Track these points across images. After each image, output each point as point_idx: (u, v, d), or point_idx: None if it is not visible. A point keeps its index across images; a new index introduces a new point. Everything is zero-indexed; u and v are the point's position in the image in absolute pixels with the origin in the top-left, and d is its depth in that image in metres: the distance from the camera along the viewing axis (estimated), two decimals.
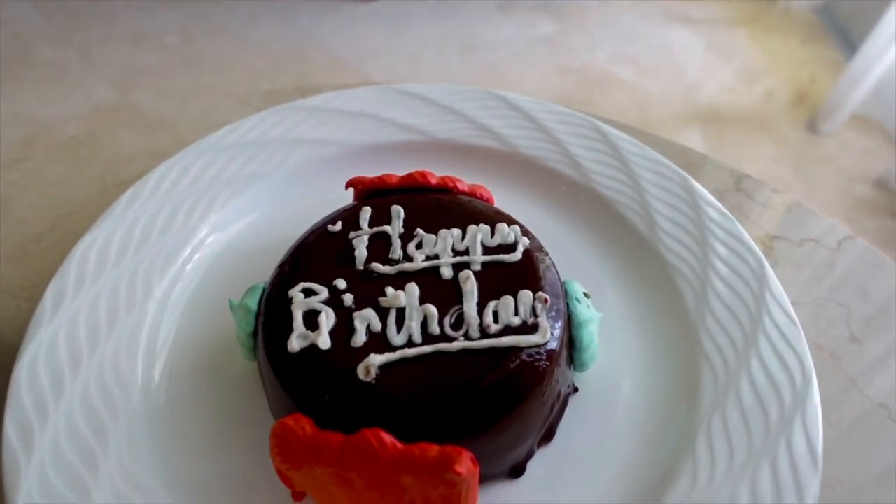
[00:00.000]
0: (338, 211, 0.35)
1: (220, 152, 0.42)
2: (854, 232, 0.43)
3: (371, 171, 0.40)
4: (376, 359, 0.27)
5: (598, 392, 0.33)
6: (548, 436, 0.31)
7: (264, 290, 0.32)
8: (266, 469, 0.29)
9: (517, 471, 0.30)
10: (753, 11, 2.00)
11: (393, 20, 1.81)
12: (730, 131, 1.63)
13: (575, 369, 0.31)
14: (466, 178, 0.39)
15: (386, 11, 1.82)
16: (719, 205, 0.38)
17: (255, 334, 0.31)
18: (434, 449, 0.25)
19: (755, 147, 1.59)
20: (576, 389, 0.33)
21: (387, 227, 0.33)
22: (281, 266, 0.32)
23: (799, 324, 0.33)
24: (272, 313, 0.30)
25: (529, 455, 0.30)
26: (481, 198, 0.36)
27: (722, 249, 0.36)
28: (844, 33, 1.85)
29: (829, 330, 0.38)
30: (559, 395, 0.30)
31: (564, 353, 0.29)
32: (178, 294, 0.36)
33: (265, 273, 0.35)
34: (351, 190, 0.37)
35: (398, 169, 0.40)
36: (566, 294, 0.31)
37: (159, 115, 0.51)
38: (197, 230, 0.38)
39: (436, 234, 0.32)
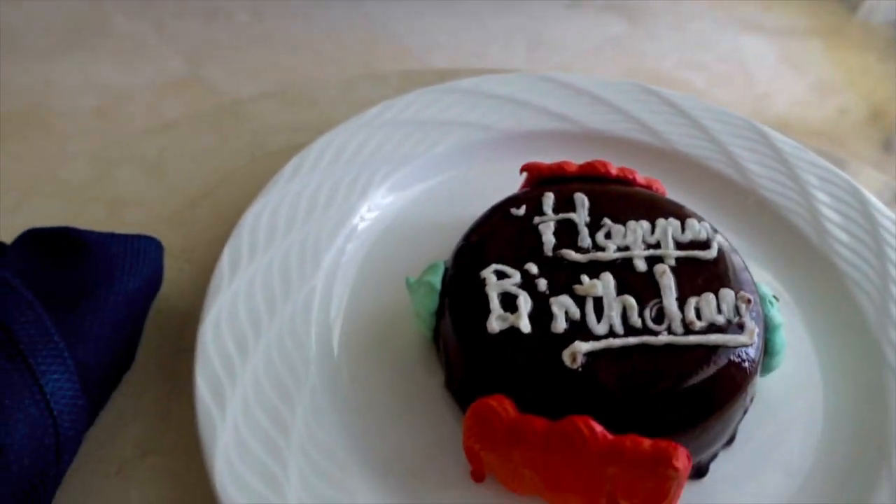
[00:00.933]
0: (517, 194, 0.34)
1: (375, 130, 0.42)
2: None
3: (522, 158, 0.40)
4: (582, 346, 0.27)
5: (775, 398, 0.32)
6: (731, 438, 0.30)
7: (447, 268, 0.32)
8: (442, 444, 0.29)
9: (702, 471, 0.29)
10: (830, 23, 1.95)
11: (461, 12, 1.80)
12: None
13: (760, 373, 0.31)
14: None
15: (454, 3, 1.81)
16: (894, 216, 0.37)
17: (437, 312, 0.31)
18: (646, 442, 0.25)
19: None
20: None
21: (572, 215, 0.32)
22: (464, 246, 0.32)
23: None
24: (463, 293, 0.30)
25: (713, 456, 0.30)
26: (657, 192, 0.35)
27: None
28: None
29: None
30: (751, 397, 0.30)
31: (761, 356, 0.29)
32: (344, 267, 0.36)
33: (429, 250, 0.35)
34: (515, 174, 0.37)
35: (548, 157, 0.39)
36: (760, 297, 0.30)
37: (299, 91, 0.51)
38: (358, 206, 0.38)
39: (624, 224, 0.32)
